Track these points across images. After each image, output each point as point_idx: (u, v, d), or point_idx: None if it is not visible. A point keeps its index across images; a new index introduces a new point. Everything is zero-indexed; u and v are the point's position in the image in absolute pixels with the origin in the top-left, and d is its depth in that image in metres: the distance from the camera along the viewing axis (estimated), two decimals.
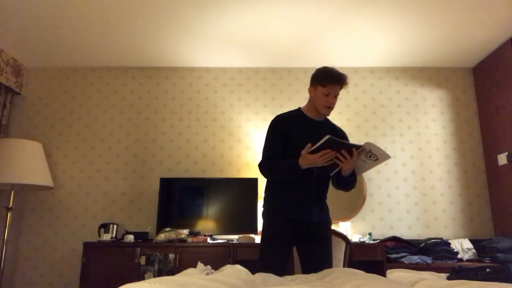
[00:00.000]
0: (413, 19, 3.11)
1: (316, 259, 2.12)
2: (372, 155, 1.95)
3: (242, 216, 3.37)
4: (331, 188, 2.29)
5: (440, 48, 3.57)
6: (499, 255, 2.96)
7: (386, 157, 1.93)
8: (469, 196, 3.63)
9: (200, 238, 3.08)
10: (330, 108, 2.15)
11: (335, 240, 2.62)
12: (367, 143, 1.93)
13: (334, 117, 3.81)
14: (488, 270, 1.71)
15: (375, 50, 3.61)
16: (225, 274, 1.41)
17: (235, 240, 3.19)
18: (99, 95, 3.89)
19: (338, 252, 2.61)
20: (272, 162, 2.14)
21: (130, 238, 3.12)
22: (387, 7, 2.96)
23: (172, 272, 2.94)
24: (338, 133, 2.24)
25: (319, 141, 1.90)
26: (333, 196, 3.61)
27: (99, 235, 3.27)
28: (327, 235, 2.19)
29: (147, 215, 3.59)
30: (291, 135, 2.17)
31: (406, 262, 2.98)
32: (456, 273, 1.74)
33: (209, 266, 1.69)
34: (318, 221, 2.14)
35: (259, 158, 3.70)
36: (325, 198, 2.24)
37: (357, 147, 1.94)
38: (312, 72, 2.27)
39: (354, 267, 1.96)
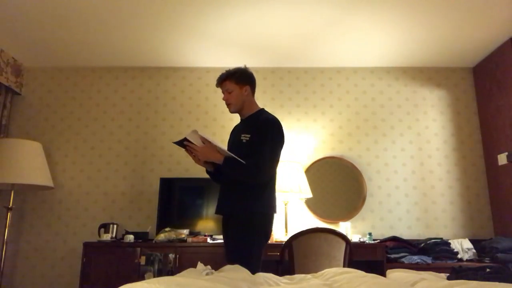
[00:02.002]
0: (413, 19, 3.11)
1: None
2: (205, 141, 2.13)
3: None
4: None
5: (440, 48, 3.57)
6: (499, 255, 2.96)
7: (191, 136, 2.11)
8: (469, 196, 3.63)
9: (200, 238, 3.08)
10: (226, 104, 2.30)
11: (335, 240, 2.63)
12: (188, 135, 2.10)
13: (335, 117, 3.82)
14: (488, 270, 1.71)
15: (375, 50, 3.61)
16: (225, 274, 1.41)
17: None
18: (99, 95, 3.89)
19: (338, 252, 2.61)
20: None
21: (130, 238, 3.12)
22: (387, 7, 2.96)
23: (172, 272, 2.94)
24: (254, 127, 2.22)
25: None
26: (334, 196, 3.63)
27: (99, 235, 3.27)
28: (234, 228, 2.16)
29: (147, 215, 3.59)
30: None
31: (406, 262, 2.98)
32: (456, 273, 1.74)
33: (209, 266, 1.69)
34: (230, 214, 2.20)
35: None
36: (241, 190, 2.16)
37: (183, 140, 2.12)
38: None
39: (354, 267, 1.96)
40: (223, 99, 2.30)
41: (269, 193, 2.19)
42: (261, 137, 2.14)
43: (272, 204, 2.20)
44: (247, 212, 2.13)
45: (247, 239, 2.10)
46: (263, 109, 2.34)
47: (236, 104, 2.28)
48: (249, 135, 2.17)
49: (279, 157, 2.21)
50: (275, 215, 2.23)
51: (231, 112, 2.33)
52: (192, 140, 2.10)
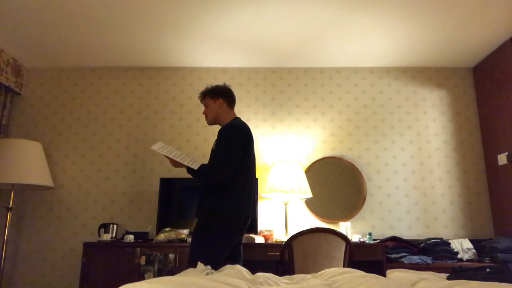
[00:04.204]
0: (413, 19, 3.11)
1: None
2: (170, 152, 2.38)
3: None
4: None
5: (440, 48, 3.57)
6: (499, 255, 2.96)
7: (158, 148, 2.38)
8: (469, 196, 3.63)
9: None
10: (205, 117, 2.62)
11: (335, 240, 2.63)
12: (154, 146, 2.38)
13: (335, 117, 3.82)
14: (488, 270, 1.71)
15: (375, 50, 3.61)
16: (225, 274, 1.41)
17: None
18: (99, 95, 3.89)
19: (338, 252, 2.61)
20: None
21: (130, 238, 3.12)
22: (387, 7, 2.96)
23: (172, 272, 2.94)
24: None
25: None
26: (334, 196, 3.63)
27: (99, 235, 3.27)
28: (194, 228, 2.34)
29: (147, 215, 3.59)
30: None
31: (406, 262, 2.98)
32: (456, 273, 1.74)
33: (209, 266, 1.69)
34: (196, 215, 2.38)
35: (259, 158, 3.71)
36: (203, 192, 2.37)
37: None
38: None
39: (354, 267, 1.96)
40: (203, 112, 2.61)
41: (232, 193, 2.31)
42: (217, 143, 2.39)
43: (235, 204, 2.31)
44: (203, 212, 2.32)
45: (202, 238, 2.27)
46: (236, 118, 2.55)
47: (210, 116, 2.57)
48: (215, 143, 2.44)
49: (235, 159, 2.33)
50: (250, 216, 2.39)
51: (208, 123, 2.62)
52: (159, 151, 2.37)
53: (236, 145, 2.35)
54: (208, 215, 2.30)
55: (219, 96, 2.55)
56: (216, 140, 2.43)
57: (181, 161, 2.35)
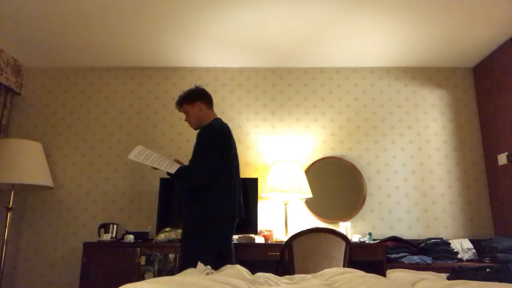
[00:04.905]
0: (413, 19, 3.11)
1: None
2: (147, 159, 2.34)
3: None
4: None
5: (440, 48, 3.57)
6: (499, 255, 2.96)
7: (135, 157, 2.33)
8: (469, 196, 3.63)
9: None
10: (189, 124, 2.60)
11: (335, 240, 2.63)
12: (131, 154, 2.34)
13: (334, 117, 3.82)
14: (488, 270, 1.70)
15: (375, 50, 3.61)
16: (225, 274, 1.41)
17: (235, 240, 3.18)
18: (99, 95, 3.89)
19: (338, 252, 2.61)
20: None
21: (130, 238, 3.12)
22: (387, 7, 2.96)
23: (172, 272, 2.94)
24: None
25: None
26: (334, 196, 3.63)
27: (99, 235, 3.27)
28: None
29: (147, 215, 3.59)
30: None
31: (406, 262, 2.98)
32: (456, 273, 1.74)
33: (209, 266, 1.69)
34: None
35: (259, 158, 3.72)
36: (186, 200, 2.37)
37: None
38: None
39: (354, 267, 1.96)
40: (185, 120, 2.59)
41: (216, 194, 2.31)
42: (195, 145, 2.38)
43: (219, 205, 2.31)
44: (187, 213, 2.33)
45: (189, 241, 2.29)
46: (215, 119, 2.54)
47: (194, 121, 2.55)
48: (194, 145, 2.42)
49: (214, 159, 2.32)
50: (232, 215, 2.38)
51: (194, 129, 2.57)
52: (135, 159, 2.33)
53: (214, 146, 2.34)
54: (195, 217, 2.30)
55: (196, 100, 2.53)
56: (195, 142, 2.42)
57: (158, 167, 2.31)
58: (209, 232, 2.28)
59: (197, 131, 2.47)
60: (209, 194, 2.30)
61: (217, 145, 2.35)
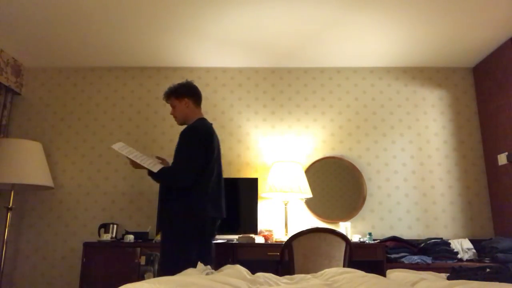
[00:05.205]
0: (413, 19, 3.11)
1: None
2: (130, 153, 2.32)
3: (242, 216, 3.37)
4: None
5: (440, 48, 3.57)
6: (499, 255, 2.96)
7: (119, 148, 2.32)
8: (469, 196, 3.63)
9: None
10: (174, 118, 2.56)
11: (335, 240, 2.63)
12: (115, 145, 2.33)
13: (335, 117, 3.82)
14: (488, 270, 1.70)
15: (375, 50, 3.61)
16: (225, 274, 1.41)
17: (235, 240, 3.19)
18: (99, 95, 3.89)
19: (338, 252, 2.61)
20: None
21: (130, 238, 3.12)
22: (387, 7, 2.96)
23: None
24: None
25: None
26: (334, 196, 3.63)
27: (99, 235, 3.27)
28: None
29: (147, 215, 3.59)
30: None
31: (406, 262, 2.98)
32: (456, 273, 1.74)
33: (209, 266, 1.69)
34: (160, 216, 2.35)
35: (259, 158, 3.72)
36: (165, 193, 2.34)
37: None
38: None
39: (354, 267, 1.96)
40: (170, 113, 2.55)
41: (196, 194, 2.28)
42: (178, 145, 2.35)
43: (198, 205, 2.27)
44: (165, 213, 2.30)
45: (169, 241, 2.26)
46: (200, 118, 2.50)
47: (179, 117, 2.51)
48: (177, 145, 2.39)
49: (197, 161, 2.29)
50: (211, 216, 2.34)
51: (178, 124, 2.55)
52: (119, 151, 2.33)
53: (197, 148, 2.31)
54: (172, 216, 2.27)
55: (184, 96, 2.49)
56: (177, 143, 2.39)
57: (141, 163, 2.29)
58: (187, 232, 2.23)
59: (181, 128, 2.46)
60: (188, 194, 2.27)
61: (200, 146, 2.31)
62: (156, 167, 2.28)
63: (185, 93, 2.50)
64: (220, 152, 2.55)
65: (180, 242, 2.22)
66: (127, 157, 2.33)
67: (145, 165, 2.28)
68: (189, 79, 3.91)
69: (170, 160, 2.51)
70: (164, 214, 2.30)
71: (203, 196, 2.30)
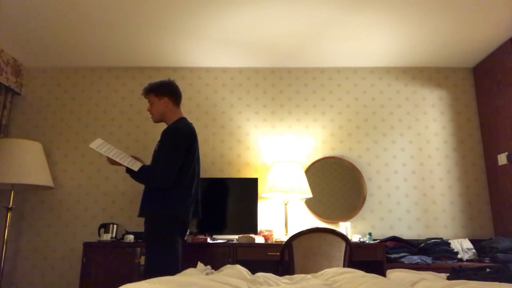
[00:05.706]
0: (413, 19, 3.11)
1: None
2: (110, 151, 2.31)
3: (242, 216, 3.37)
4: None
5: (440, 48, 3.57)
6: (499, 255, 2.96)
7: (97, 147, 2.30)
8: (469, 196, 3.63)
9: (200, 238, 3.08)
10: (150, 114, 2.53)
11: (335, 240, 2.63)
12: (93, 143, 2.31)
13: (335, 117, 3.82)
14: (488, 270, 1.70)
15: (375, 50, 3.61)
16: (225, 274, 1.41)
17: (235, 240, 3.19)
18: (99, 95, 3.89)
19: (338, 252, 2.61)
20: None
21: (130, 238, 3.13)
22: (387, 7, 2.96)
23: None
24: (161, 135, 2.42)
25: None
26: (334, 196, 3.63)
27: (99, 235, 3.27)
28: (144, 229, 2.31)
29: None
30: None
31: (406, 262, 2.98)
32: (456, 273, 1.74)
33: (209, 266, 1.69)
34: (141, 215, 2.33)
35: (259, 158, 3.72)
36: (146, 193, 2.34)
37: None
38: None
39: (354, 267, 1.96)
40: (147, 109, 2.54)
41: (175, 195, 2.28)
42: (159, 145, 2.34)
43: (177, 205, 2.27)
44: (147, 213, 2.29)
45: (148, 239, 2.26)
46: (181, 118, 2.49)
47: (155, 114, 2.49)
48: (158, 144, 2.39)
49: (177, 162, 2.29)
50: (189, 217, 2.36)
51: (154, 122, 2.54)
52: (97, 150, 2.30)
53: (179, 148, 2.30)
54: (152, 217, 2.27)
55: (164, 95, 2.47)
56: (158, 141, 2.38)
57: (120, 162, 2.28)
58: (169, 232, 2.25)
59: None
60: (168, 194, 2.27)
61: (181, 147, 2.31)
62: (135, 166, 2.28)
63: (166, 92, 2.48)
64: (199, 152, 2.55)
65: (162, 244, 2.23)
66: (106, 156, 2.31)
67: (125, 164, 2.27)
68: (189, 79, 3.95)
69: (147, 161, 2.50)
70: (143, 212, 2.30)
71: (186, 198, 2.31)
